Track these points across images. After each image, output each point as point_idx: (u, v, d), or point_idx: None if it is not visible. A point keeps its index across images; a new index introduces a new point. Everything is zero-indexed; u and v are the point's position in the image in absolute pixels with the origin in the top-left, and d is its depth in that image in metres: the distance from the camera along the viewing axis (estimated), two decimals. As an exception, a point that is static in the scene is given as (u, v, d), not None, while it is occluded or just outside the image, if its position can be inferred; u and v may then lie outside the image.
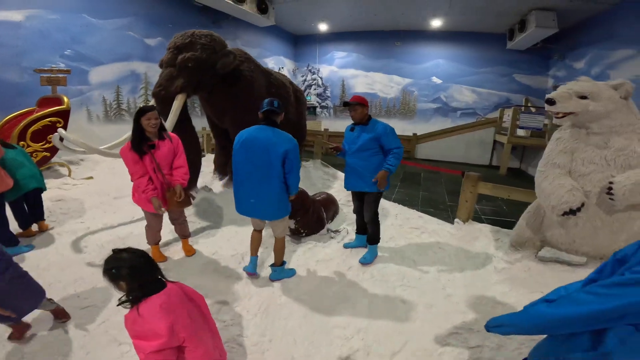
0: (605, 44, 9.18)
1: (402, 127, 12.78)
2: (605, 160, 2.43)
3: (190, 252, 3.35)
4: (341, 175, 6.16)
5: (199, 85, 4.22)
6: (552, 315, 1.10)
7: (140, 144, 2.74)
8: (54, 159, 5.96)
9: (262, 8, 10.15)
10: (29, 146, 5.30)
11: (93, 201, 4.69)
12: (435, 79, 13.69)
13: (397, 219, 4.32)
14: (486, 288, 2.68)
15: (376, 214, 3.22)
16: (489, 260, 3.09)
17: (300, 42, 15.22)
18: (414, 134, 11.84)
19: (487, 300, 2.54)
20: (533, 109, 10.06)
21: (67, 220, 4.08)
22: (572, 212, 2.38)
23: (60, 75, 6.25)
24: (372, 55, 14.24)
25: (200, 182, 4.94)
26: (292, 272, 3.01)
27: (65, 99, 5.97)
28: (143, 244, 3.28)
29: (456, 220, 4.04)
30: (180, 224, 3.30)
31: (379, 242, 3.32)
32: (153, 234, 3.17)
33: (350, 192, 3.36)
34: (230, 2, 9.00)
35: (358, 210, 3.38)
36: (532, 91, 12.66)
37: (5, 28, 6.13)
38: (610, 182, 2.30)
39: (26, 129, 5.38)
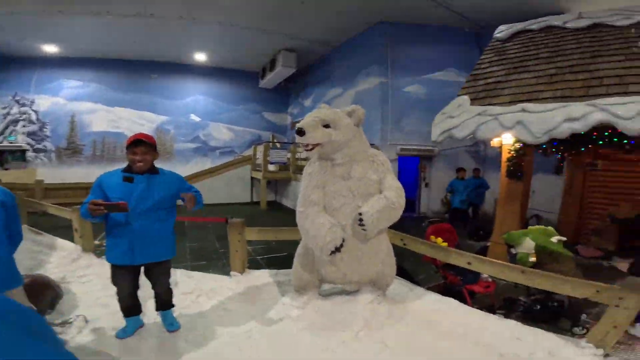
0: (324, 83, 11.58)
1: (160, 171, 11.47)
2: (350, 192, 2.47)
3: None
4: (63, 243, 4.55)
5: None
6: None
7: None
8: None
9: None
10: None
11: None
12: (194, 117, 13.28)
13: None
14: (292, 340, 2.36)
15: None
16: (281, 309, 2.85)
17: (7, 64, 10.97)
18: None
19: (294, 353, 2.27)
20: (278, 145, 11.37)
21: None
22: (337, 249, 2.38)
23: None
24: (119, 88, 12.17)
25: None
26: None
27: None
28: None
29: (232, 273, 3.68)
30: None
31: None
32: None
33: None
34: None
35: (132, 291, 2.41)
36: (277, 128, 14.44)
37: None
38: (360, 213, 2.33)
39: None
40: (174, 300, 2.66)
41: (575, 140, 4.61)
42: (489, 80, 5.33)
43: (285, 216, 8.75)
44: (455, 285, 3.45)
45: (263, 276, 3.60)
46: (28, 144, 11.26)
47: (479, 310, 2.82)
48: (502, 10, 7.46)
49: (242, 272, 3.64)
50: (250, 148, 12.59)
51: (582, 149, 5.68)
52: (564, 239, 3.67)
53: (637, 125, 3.47)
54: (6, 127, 11.16)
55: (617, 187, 5.93)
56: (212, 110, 13.52)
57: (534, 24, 5.87)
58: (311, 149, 2.43)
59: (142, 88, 12.50)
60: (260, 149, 10.55)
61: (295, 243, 3.07)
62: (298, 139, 2.39)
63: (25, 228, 4.84)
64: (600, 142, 5.03)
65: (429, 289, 3.34)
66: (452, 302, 2.89)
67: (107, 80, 12.12)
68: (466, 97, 5.22)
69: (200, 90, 13.34)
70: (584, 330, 2.89)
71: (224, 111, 13.70)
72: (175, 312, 2.70)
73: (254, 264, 4.34)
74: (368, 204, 2.39)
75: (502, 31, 6.16)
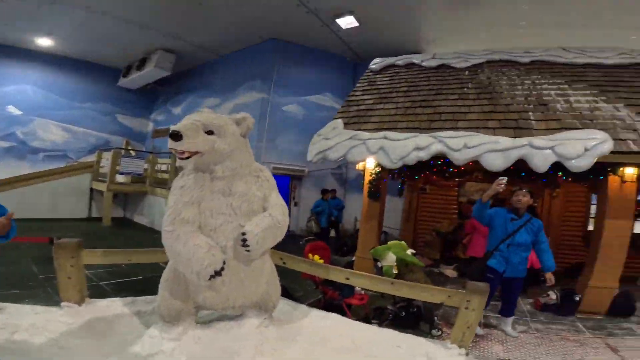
0: (201, 91, 10.80)
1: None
2: (232, 209, 2.20)
3: None
4: None
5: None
6: None
7: None
8: None
9: None
10: None
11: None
12: (12, 109, 10.31)
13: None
14: None
15: None
16: (148, 343, 2.20)
17: None
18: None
19: None
20: (133, 153, 9.91)
21: None
22: (218, 273, 2.07)
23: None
24: None
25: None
26: None
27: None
28: None
29: (64, 304, 2.73)
30: None
31: None
32: None
33: None
34: None
35: None
36: (134, 134, 12.51)
37: None
38: (243, 233, 2.09)
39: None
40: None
41: (418, 167, 5.37)
42: (361, 107, 5.98)
43: (139, 234, 7.58)
44: (335, 299, 3.54)
45: (113, 306, 2.84)
46: None
47: (359, 322, 2.93)
48: (381, 45, 8.46)
49: (80, 303, 2.77)
50: (92, 154, 10.36)
51: (416, 176, 6.91)
52: (414, 251, 4.29)
53: (463, 156, 4.42)
54: None
55: (440, 207, 7.49)
56: (41, 104, 10.74)
57: (400, 60, 6.98)
58: (187, 157, 2.08)
59: None
60: (108, 155, 8.88)
61: (153, 264, 2.52)
62: (172, 144, 2.00)
63: None
64: (433, 170, 6.21)
65: (309, 305, 3.30)
66: (335, 317, 2.91)
67: None
68: (340, 121, 5.67)
69: (29, 79, 10.57)
70: (439, 332, 3.35)
71: (61, 108, 11.08)
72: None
73: (97, 292, 3.44)
74: (252, 223, 2.16)
75: (375, 63, 7.10)
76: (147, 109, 12.92)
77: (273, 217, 2.23)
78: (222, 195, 2.22)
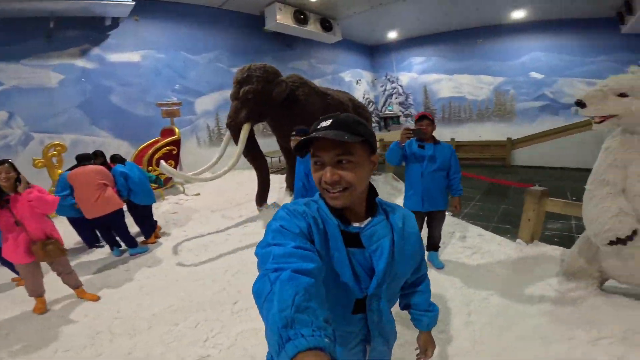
0: None
1: (500, 131, 11.60)
2: None
3: (91, 297, 3.28)
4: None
5: (262, 113, 4.86)
6: None
7: None
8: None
9: (327, 26, 10.80)
10: (155, 170, 6.71)
11: (196, 214, 5.88)
12: (534, 74, 12.02)
13: (452, 238, 4.09)
14: (520, 319, 2.43)
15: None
16: (538, 287, 2.75)
17: (375, 52, 15.29)
18: (508, 139, 10.55)
19: (514, 333, 2.32)
20: None
21: (175, 229, 5.21)
22: (621, 241, 2.00)
23: (175, 108, 7.84)
24: (454, 57, 13.33)
25: (273, 198, 5.61)
26: None
27: (177, 130, 7.50)
28: (218, 251, 4.09)
29: (518, 240, 3.63)
30: (65, 274, 3.20)
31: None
32: (33, 286, 3.02)
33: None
34: (294, 25, 9.84)
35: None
36: None
37: (130, 68, 7.97)
38: None
39: (152, 156, 6.93)
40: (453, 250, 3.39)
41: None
42: None
43: None
44: None
45: (551, 252, 3.38)
46: (400, 111, 15.16)
47: None
48: None
49: (528, 243, 3.53)
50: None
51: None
52: None
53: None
54: (385, 100, 15.50)
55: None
56: (558, 65, 11.57)
57: None
58: (600, 121, 2.16)
59: (473, 54, 12.90)
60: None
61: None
62: (580, 111, 2.21)
63: (390, 176, 7.14)
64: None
65: None
66: None
67: (442, 52, 13.53)
68: None
69: (535, 47, 11.83)
70: None
71: (575, 65, 11.32)
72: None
73: (549, 239, 4.00)
74: None
75: None
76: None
77: None
78: None
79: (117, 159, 4.64)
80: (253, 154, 5.17)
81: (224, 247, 4.27)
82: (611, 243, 2.05)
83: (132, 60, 8.06)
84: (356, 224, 0.97)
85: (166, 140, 7.24)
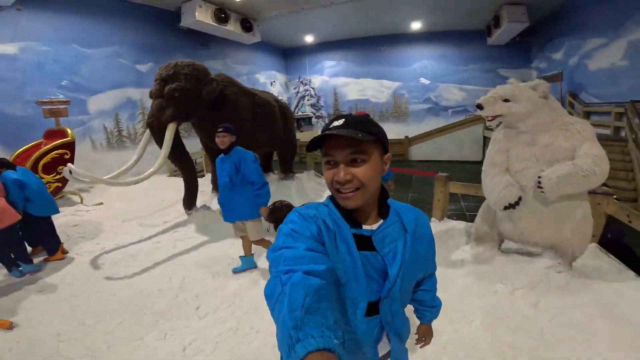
0: (577, 33, 9.41)
1: (397, 131, 13.15)
2: (534, 157, 2.68)
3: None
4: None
5: (189, 112, 4.63)
6: None
7: None
8: (66, 188, 6.43)
9: (247, 26, 10.69)
10: (41, 178, 5.67)
11: (105, 225, 5.21)
12: (423, 80, 14.07)
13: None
14: (452, 281, 2.96)
15: None
16: (457, 254, 3.40)
17: (289, 55, 15.74)
18: (406, 137, 12.19)
19: (451, 292, 2.82)
20: None
21: (85, 242, 4.57)
22: (512, 206, 2.68)
23: (61, 107, 6.71)
24: (360, 62, 14.66)
25: (199, 201, 5.35)
26: (252, 264, 3.53)
27: (69, 131, 6.46)
28: (152, 260, 3.84)
29: (432, 219, 4.36)
30: None
31: None
32: None
33: None
34: (213, 23, 9.48)
35: None
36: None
37: (3, 61, 6.62)
38: (539, 177, 2.55)
39: (37, 162, 5.84)
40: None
41: None
42: None
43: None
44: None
45: (458, 226, 4.13)
46: (312, 112, 15.81)
47: None
48: None
49: (440, 220, 4.25)
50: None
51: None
52: None
53: None
54: (298, 102, 16.00)
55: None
56: (440, 73, 13.87)
57: None
58: (492, 119, 2.85)
59: (377, 60, 14.45)
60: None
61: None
62: (478, 112, 2.87)
63: (312, 173, 7.43)
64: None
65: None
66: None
67: (351, 57, 14.82)
68: None
69: (425, 55, 13.93)
70: None
71: (452, 73, 13.73)
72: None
73: (450, 217, 4.76)
74: (552, 169, 2.55)
75: None
76: (526, 59, 12.87)
77: (575, 166, 2.49)
78: (526, 145, 2.77)
79: (5, 163, 3.84)
80: (179, 155, 4.88)
81: (158, 256, 3.97)
82: (505, 208, 2.72)
83: (7, 52, 6.66)
84: (368, 227, 0.96)
85: (55, 142, 6.17)
